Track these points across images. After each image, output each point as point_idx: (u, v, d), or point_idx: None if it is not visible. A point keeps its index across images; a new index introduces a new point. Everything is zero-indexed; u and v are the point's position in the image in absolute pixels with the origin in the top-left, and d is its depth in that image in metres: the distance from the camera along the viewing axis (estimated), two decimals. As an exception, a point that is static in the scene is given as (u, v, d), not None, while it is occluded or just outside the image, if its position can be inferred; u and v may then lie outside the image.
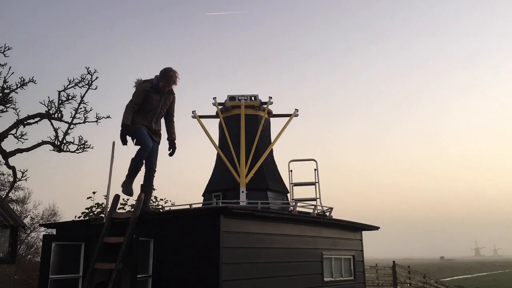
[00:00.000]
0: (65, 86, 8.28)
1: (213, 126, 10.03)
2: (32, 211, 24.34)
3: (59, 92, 8.22)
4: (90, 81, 8.36)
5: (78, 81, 8.34)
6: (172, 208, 8.65)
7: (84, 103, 8.38)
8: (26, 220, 22.33)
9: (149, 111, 5.99)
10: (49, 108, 8.12)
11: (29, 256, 22.73)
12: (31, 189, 24.86)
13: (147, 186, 6.22)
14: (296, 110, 9.94)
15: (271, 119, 10.11)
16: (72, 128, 8.38)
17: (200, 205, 8.57)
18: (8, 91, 7.99)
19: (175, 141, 6.33)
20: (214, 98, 9.83)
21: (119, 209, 7.12)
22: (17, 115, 8.01)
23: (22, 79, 8.04)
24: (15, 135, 8.01)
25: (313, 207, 8.05)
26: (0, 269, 14.44)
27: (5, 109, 8.02)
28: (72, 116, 8.34)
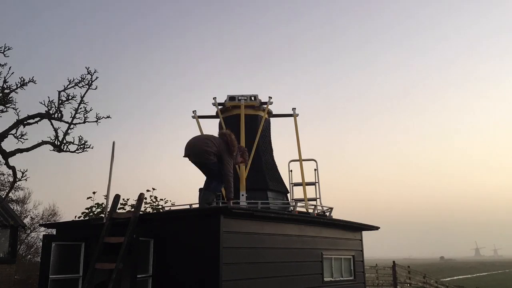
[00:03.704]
0: (65, 86, 8.27)
1: (214, 126, 10.05)
2: (32, 211, 24.35)
3: (59, 92, 8.21)
4: (90, 81, 8.35)
5: (78, 81, 8.33)
6: (172, 208, 8.64)
7: (84, 103, 8.37)
8: (26, 220, 22.32)
9: None
10: (49, 108, 8.11)
11: (29, 256, 22.72)
12: (31, 189, 24.81)
13: None
14: (294, 109, 9.93)
15: (271, 119, 10.10)
16: (72, 128, 8.36)
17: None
18: (8, 91, 7.97)
19: None
20: (214, 98, 9.83)
21: (119, 209, 7.12)
22: (17, 115, 7.99)
23: (22, 79, 8.02)
24: (15, 135, 7.99)
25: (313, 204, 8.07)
26: (0, 269, 14.44)
27: (5, 109, 8.00)
28: (72, 116, 8.33)
